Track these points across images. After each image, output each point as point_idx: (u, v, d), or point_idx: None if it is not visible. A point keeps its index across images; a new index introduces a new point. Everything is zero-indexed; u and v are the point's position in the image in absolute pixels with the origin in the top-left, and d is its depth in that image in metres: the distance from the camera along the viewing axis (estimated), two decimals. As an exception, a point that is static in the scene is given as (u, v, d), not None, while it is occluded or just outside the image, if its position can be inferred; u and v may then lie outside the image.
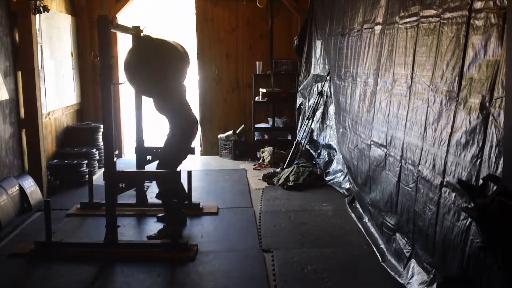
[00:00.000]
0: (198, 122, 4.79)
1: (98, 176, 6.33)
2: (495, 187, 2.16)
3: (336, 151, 6.16)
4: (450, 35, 2.79)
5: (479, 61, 2.48)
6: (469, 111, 2.56)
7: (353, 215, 4.99)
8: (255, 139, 8.01)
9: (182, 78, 4.55)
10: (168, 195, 4.39)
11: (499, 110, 2.27)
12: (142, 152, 5.21)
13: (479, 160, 2.44)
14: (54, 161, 6.19)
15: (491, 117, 2.33)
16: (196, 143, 8.15)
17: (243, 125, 7.90)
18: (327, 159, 6.46)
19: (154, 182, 6.00)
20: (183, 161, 4.67)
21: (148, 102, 5.29)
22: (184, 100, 4.63)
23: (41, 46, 5.82)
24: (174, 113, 4.52)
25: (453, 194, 2.73)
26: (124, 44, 7.53)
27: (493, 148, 2.30)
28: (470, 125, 2.54)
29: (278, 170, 6.67)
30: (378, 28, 4.18)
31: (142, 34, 4.70)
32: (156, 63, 4.26)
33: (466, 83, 2.61)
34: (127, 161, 7.61)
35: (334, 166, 6.23)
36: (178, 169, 4.53)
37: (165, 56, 4.33)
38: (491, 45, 2.36)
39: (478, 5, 2.49)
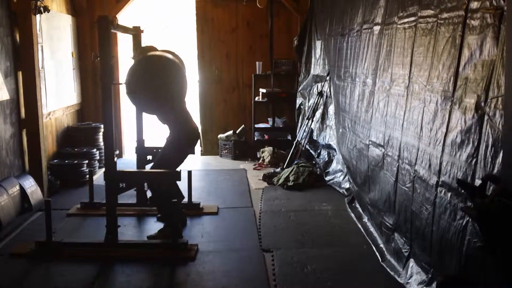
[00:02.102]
0: (199, 130, 4.79)
1: (99, 176, 6.35)
2: (493, 187, 2.16)
3: (335, 151, 6.17)
4: (447, 35, 2.81)
5: (474, 61, 2.49)
6: (464, 111, 2.57)
7: (352, 215, 5.00)
8: (255, 139, 8.02)
9: (183, 91, 4.46)
10: (160, 198, 4.44)
11: (494, 110, 2.28)
12: (142, 152, 5.23)
13: (474, 160, 2.45)
14: (55, 161, 6.21)
15: (486, 117, 2.34)
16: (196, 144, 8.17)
17: (243, 125, 7.90)
18: (326, 159, 6.48)
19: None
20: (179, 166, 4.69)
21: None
22: (186, 111, 4.64)
23: (42, 46, 5.84)
24: (175, 124, 4.52)
25: (449, 194, 2.74)
26: (124, 44, 7.56)
27: (489, 148, 2.31)
28: (465, 124, 2.55)
29: (278, 170, 6.68)
30: (377, 28, 4.19)
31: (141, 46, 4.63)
32: (157, 83, 4.17)
33: (461, 83, 2.63)
34: (127, 161, 7.63)
35: (334, 166, 6.25)
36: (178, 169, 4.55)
37: (166, 74, 4.24)
38: (486, 45, 2.37)
39: (474, 5, 2.50)
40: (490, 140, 2.31)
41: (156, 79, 4.18)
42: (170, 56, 4.47)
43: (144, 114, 5.28)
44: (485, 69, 2.38)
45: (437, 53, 2.94)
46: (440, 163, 2.83)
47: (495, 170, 2.25)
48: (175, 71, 4.30)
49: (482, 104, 2.39)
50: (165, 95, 4.23)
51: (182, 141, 4.54)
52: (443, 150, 2.80)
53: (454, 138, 2.67)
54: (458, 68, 2.66)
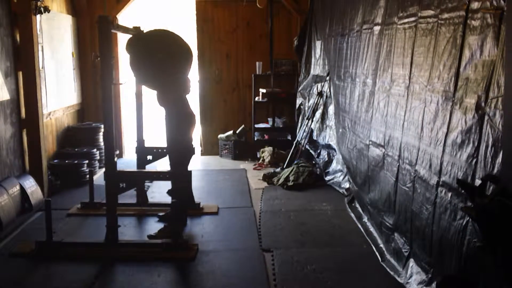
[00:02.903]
0: (195, 116, 4.81)
1: (99, 176, 6.35)
2: (493, 187, 2.17)
3: (335, 151, 6.17)
4: (447, 35, 2.81)
5: (475, 61, 2.50)
6: (464, 111, 2.58)
7: (352, 214, 5.00)
8: (255, 139, 8.02)
9: (186, 73, 4.55)
10: (180, 193, 4.43)
11: (494, 110, 2.28)
12: (143, 152, 5.24)
13: (474, 160, 2.46)
14: (55, 161, 6.22)
15: (486, 117, 2.35)
16: (196, 143, 8.18)
17: (243, 125, 7.91)
18: (326, 159, 6.48)
19: (154, 182, 6.04)
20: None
21: (148, 103, 5.33)
22: (184, 96, 4.64)
23: (42, 46, 5.84)
24: (172, 106, 4.52)
25: (449, 194, 2.75)
26: (124, 44, 7.54)
27: (489, 148, 2.32)
28: (465, 125, 2.56)
29: (278, 170, 6.69)
30: (377, 28, 4.20)
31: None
32: (161, 57, 4.26)
33: (462, 83, 2.63)
34: (127, 161, 7.63)
35: (334, 166, 6.25)
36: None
37: (170, 50, 4.34)
38: (487, 45, 2.38)
39: (475, 5, 2.50)
40: (490, 140, 2.32)
41: (160, 52, 4.26)
42: (175, 32, 4.55)
43: (143, 114, 5.30)
44: (485, 69, 2.39)
45: (437, 53, 2.94)
46: (441, 163, 2.84)
47: (495, 170, 2.25)
48: (180, 49, 4.40)
49: (483, 104, 2.39)
50: (166, 70, 4.29)
51: (180, 117, 4.55)
52: (443, 150, 2.81)
53: (455, 138, 2.67)
54: (459, 69, 2.66)
